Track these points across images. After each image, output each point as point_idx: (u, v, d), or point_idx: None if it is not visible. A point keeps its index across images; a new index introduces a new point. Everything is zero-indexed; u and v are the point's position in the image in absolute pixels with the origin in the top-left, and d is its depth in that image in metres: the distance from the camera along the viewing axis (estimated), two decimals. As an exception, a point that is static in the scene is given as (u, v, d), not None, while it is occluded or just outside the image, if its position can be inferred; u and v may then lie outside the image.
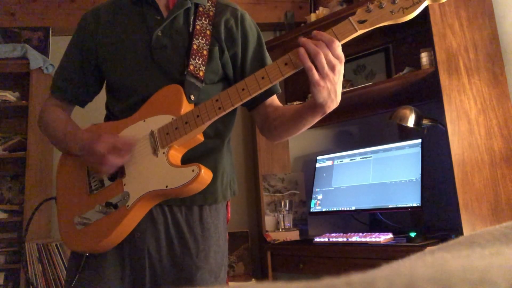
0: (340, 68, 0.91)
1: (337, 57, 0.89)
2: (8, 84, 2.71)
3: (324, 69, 0.89)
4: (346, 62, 0.93)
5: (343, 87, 2.34)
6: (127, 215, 0.99)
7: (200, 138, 1.03)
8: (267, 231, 2.49)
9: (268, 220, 2.56)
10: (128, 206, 1.00)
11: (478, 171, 1.84)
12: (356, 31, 0.90)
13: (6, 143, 2.60)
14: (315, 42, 0.90)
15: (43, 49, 2.76)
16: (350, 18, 0.91)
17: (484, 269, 0.23)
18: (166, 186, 0.97)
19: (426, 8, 1.94)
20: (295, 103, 2.57)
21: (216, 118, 0.99)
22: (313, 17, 2.51)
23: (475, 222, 1.77)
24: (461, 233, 1.72)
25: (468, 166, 1.82)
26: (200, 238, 1.08)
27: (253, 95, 0.96)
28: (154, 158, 1.01)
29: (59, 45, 2.85)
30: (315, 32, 0.91)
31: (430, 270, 0.24)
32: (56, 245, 2.35)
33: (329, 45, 0.89)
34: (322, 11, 2.49)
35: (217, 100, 0.98)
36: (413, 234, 1.82)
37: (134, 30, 1.13)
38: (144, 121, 1.05)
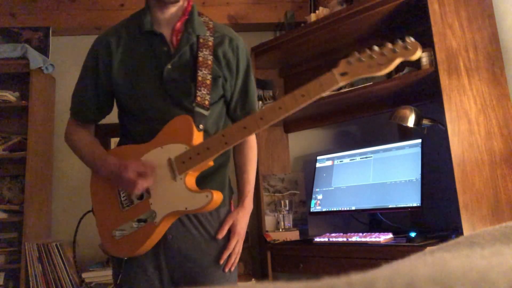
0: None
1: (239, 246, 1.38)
2: (8, 84, 2.70)
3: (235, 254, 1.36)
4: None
5: (343, 87, 2.34)
6: (156, 229, 1.20)
7: (211, 164, 1.22)
8: (267, 231, 2.48)
9: (268, 220, 2.55)
10: (156, 222, 1.20)
11: (478, 171, 1.84)
12: (338, 83, 1.07)
13: (6, 143, 2.59)
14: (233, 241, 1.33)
15: (43, 49, 2.76)
16: (334, 70, 1.07)
17: (484, 269, 0.23)
18: (186, 208, 1.19)
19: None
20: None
21: (223, 151, 1.18)
22: (313, 17, 2.50)
23: (475, 222, 1.77)
24: (461, 233, 1.72)
25: (468, 166, 1.82)
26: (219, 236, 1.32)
27: (253, 133, 1.18)
28: (174, 183, 1.20)
29: (59, 45, 2.85)
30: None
31: (430, 270, 0.24)
32: (56, 245, 2.35)
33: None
34: (322, 11, 2.48)
35: (223, 136, 1.17)
36: (413, 234, 1.82)
37: (145, 61, 1.28)
38: (162, 147, 1.23)
